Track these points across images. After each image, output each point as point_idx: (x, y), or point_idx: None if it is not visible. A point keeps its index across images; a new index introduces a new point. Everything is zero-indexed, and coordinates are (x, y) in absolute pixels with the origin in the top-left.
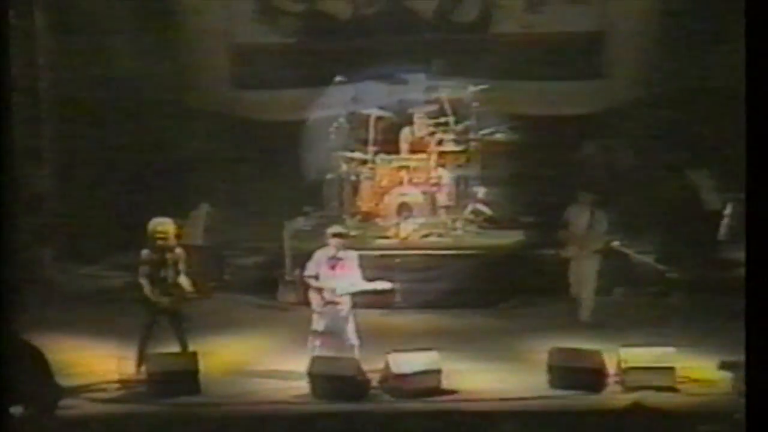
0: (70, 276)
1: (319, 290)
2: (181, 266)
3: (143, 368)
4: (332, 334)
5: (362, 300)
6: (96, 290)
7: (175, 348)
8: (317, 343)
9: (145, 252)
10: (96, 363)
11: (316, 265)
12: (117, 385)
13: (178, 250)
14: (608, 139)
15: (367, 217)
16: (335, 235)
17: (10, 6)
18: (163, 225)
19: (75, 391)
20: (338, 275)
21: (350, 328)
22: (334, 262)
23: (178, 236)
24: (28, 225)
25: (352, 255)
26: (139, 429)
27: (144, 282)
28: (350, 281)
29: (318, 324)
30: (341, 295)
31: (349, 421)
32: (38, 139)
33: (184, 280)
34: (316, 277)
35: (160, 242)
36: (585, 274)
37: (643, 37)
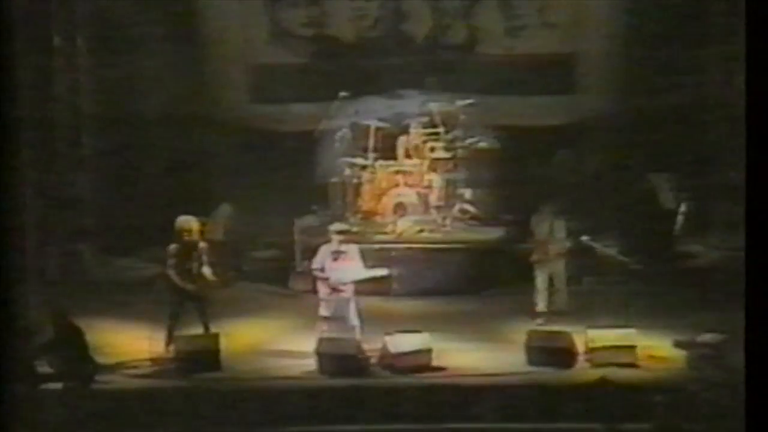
0: (106, 267)
1: (325, 280)
2: (205, 258)
3: (171, 347)
4: (337, 318)
5: (363, 288)
6: (129, 279)
7: (199, 330)
8: (324, 327)
9: (172, 246)
10: (130, 343)
11: (322, 258)
12: (148, 363)
13: (202, 245)
14: (578, 147)
15: (368, 216)
16: (338, 232)
17: (54, 31)
18: (189, 223)
19: (111, 368)
20: (341, 266)
21: (352, 313)
22: (336, 255)
23: (201, 232)
24: (70, 223)
25: (353, 248)
26: (167, 401)
27: (171, 272)
28: (352, 271)
29: (324, 310)
30: (344, 284)
31: (351, 395)
32: (79, 147)
33: (206, 271)
34: (322, 269)
35: (186, 237)
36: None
37: (609, 58)
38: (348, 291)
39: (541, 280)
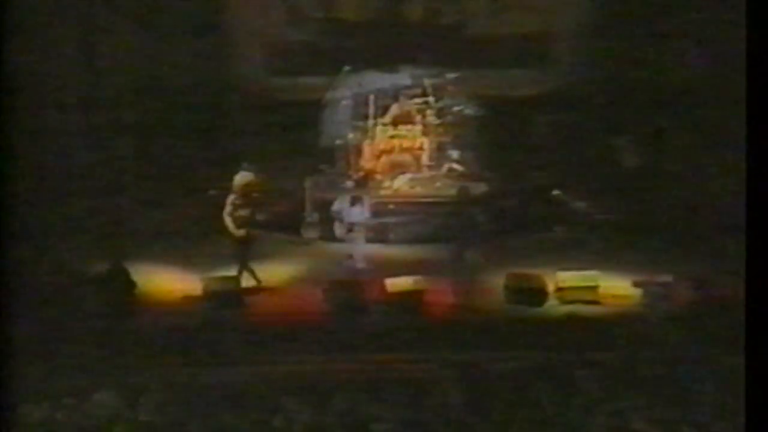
0: (142, 217)
1: (342, 221)
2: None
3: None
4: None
5: (368, 236)
6: (161, 229)
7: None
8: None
9: (230, 198)
10: (165, 283)
11: (340, 203)
12: (181, 300)
13: (255, 195)
14: (551, 113)
15: (368, 174)
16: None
17: (97, 17)
18: (246, 177)
19: (150, 304)
20: (356, 211)
21: (361, 254)
22: (354, 201)
23: (256, 186)
24: (112, 179)
25: (367, 198)
26: (197, 331)
27: (228, 220)
28: (364, 216)
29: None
30: (357, 225)
31: (355, 329)
32: (121, 116)
33: (260, 216)
34: (340, 212)
35: (243, 190)
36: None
37: (577, 37)
38: (360, 233)
39: None
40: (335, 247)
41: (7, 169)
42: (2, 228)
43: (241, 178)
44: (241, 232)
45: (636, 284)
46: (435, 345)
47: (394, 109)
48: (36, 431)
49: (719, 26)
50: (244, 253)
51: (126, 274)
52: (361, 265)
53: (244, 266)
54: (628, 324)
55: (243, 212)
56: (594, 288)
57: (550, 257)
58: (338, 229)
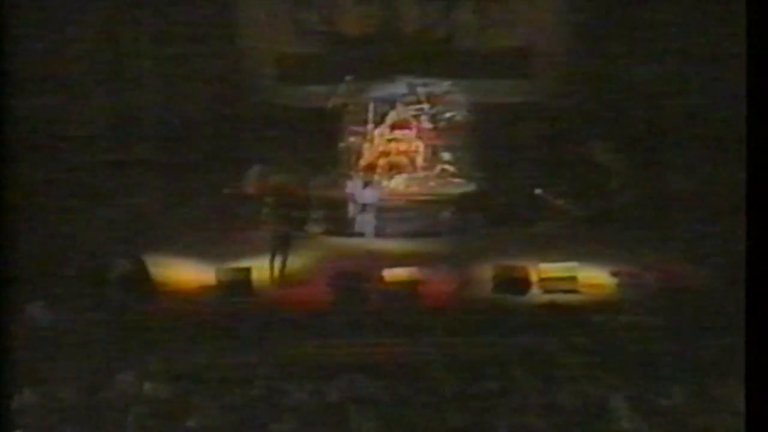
0: (162, 214)
1: (355, 202)
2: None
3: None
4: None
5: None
6: (180, 224)
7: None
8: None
9: (269, 200)
10: (182, 275)
11: (353, 186)
12: (196, 289)
13: (295, 195)
14: (533, 119)
15: (368, 174)
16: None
17: (121, 30)
18: (284, 178)
19: (169, 293)
20: (368, 193)
21: (371, 232)
22: (365, 185)
23: (290, 186)
24: (134, 180)
25: (377, 182)
26: (211, 318)
27: (270, 220)
28: (376, 197)
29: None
30: (369, 205)
31: (355, 316)
32: (141, 120)
33: (297, 214)
34: (353, 194)
35: (281, 191)
36: None
37: (556, 50)
38: (370, 213)
39: None
40: (338, 241)
41: (35, 170)
42: (30, 224)
43: (277, 179)
44: (284, 229)
45: (612, 274)
46: (429, 330)
47: (392, 116)
48: (60, 410)
49: (700, 40)
50: (284, 247)
51: (146, 266)
52: (371, 244)
53: (284, 259)
54: (605, 311)
55: (282, 210)
56: (573, 278)
57: (533, 250)
58: (351, 209)
